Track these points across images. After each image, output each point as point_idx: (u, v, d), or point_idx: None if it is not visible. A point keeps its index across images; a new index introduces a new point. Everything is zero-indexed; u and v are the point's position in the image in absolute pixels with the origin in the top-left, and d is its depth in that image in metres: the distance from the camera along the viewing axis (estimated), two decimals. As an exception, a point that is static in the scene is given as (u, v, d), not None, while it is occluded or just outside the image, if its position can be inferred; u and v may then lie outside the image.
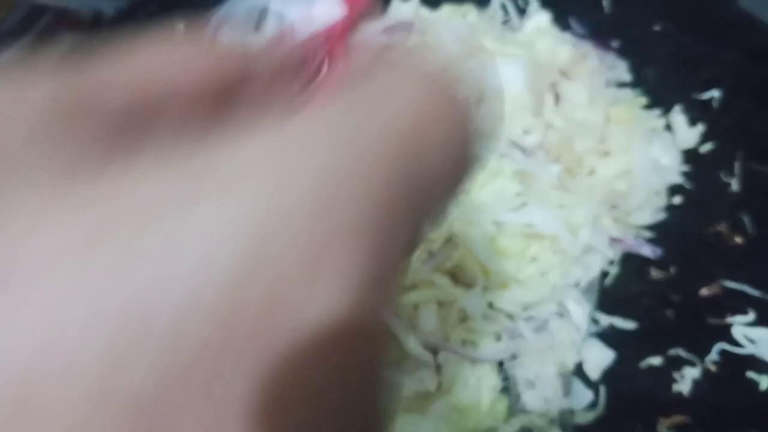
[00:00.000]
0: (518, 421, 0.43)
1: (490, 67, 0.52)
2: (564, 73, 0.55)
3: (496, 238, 0.45)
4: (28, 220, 0.11)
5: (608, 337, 0.46)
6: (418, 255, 0.45)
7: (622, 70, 0.57)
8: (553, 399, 0.44)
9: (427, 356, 0.43)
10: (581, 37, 0.58)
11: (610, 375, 0.45)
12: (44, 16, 0.65)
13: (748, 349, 0.45)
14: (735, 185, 0.52)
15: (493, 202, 0.46)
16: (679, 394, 0.44)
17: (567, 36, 0.58)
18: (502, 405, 0.43)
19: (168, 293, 0.11)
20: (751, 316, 0.46)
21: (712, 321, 0.47)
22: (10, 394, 0.10)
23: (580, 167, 0.50)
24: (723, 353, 0.45)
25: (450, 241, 0.45)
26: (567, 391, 0.44)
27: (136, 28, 0.60)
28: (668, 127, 0.55)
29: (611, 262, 0.48)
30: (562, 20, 0.60)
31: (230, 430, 0.11)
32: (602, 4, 0.61)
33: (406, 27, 0.53)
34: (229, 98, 0.18)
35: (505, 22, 0.60)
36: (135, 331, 0.10)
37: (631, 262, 0.49)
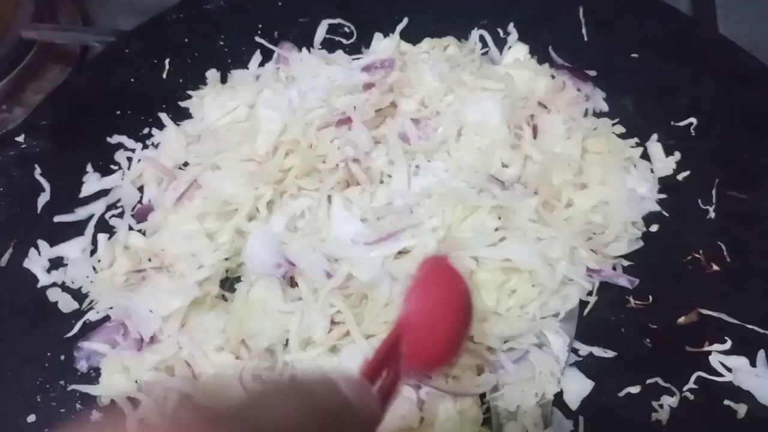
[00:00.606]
0: (499, 454, 0.44)
1: (469, 102, 0.52)
2: (542, 105, 0.55)
3: (475, 273, 0.46)
4: None
5: (587, 366, 0.47)
6: (400, 291, 0.46)
7: (599, 100, 0.58)
8: (534, 430, 0.44)
9: (409, 392, 0.44)
10: (559, 67, 0.59)
11: (589, 405, 0.46)
12: (32, 50, 0.66)
13: (725, 377, 0.46)
14: (712, 212, 0.52)
15: (472, 237, 0.47)
16: (658, 423, 0.45)
17: (545, 67, 0.58)
18: (484, 438, 0.44)
19: None
20: (728, 344, 0.47)
21: (690, 349, 0.47)
22: None
23: (557, 200, 0.50)
24: (700, 381, 0.46)
25: (430, 276, 0.46)
26: (547, 421, 0.45)
27: (122, 64, 0.60)
28: (646, 155, 0.55)
29: (589, 293, 0.49)
30: (542, 50, 0.61)
31: None
32: (582, 32, 0.62)
33: (387, 64, 0.54)
34: None
35: (485, 53, 0.61)
36: None
37: (608, 291, 0.50)
